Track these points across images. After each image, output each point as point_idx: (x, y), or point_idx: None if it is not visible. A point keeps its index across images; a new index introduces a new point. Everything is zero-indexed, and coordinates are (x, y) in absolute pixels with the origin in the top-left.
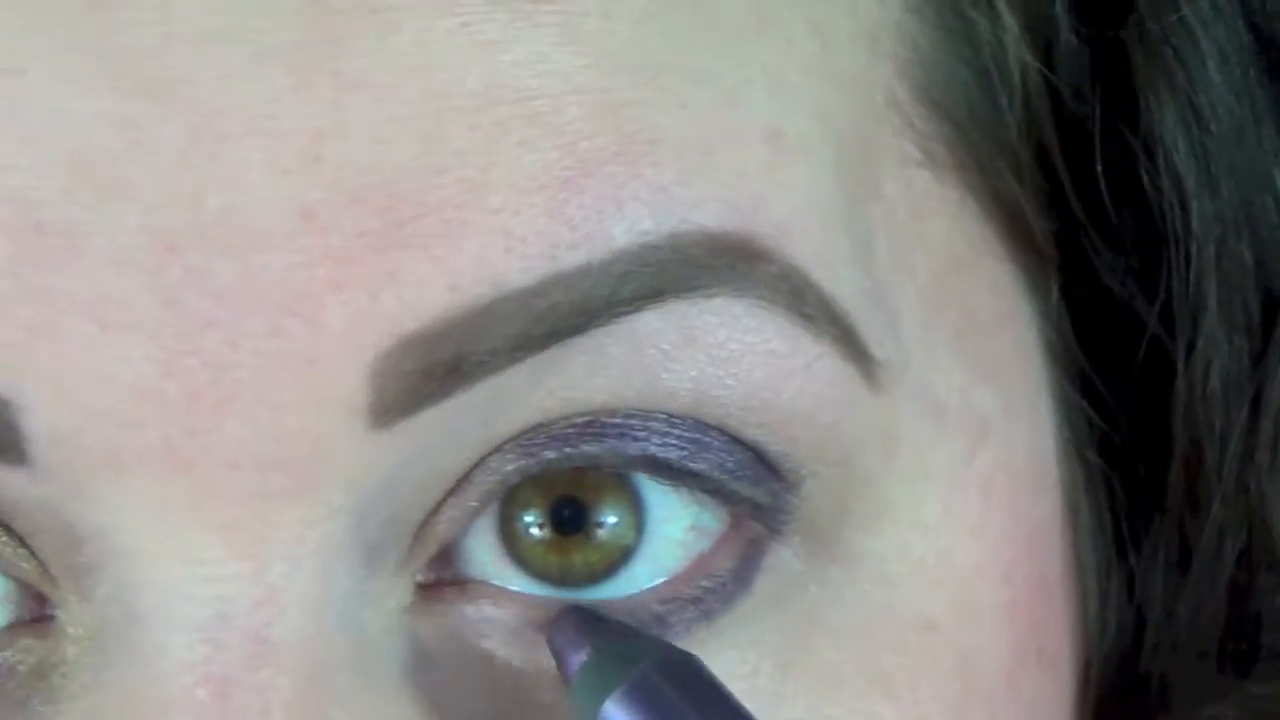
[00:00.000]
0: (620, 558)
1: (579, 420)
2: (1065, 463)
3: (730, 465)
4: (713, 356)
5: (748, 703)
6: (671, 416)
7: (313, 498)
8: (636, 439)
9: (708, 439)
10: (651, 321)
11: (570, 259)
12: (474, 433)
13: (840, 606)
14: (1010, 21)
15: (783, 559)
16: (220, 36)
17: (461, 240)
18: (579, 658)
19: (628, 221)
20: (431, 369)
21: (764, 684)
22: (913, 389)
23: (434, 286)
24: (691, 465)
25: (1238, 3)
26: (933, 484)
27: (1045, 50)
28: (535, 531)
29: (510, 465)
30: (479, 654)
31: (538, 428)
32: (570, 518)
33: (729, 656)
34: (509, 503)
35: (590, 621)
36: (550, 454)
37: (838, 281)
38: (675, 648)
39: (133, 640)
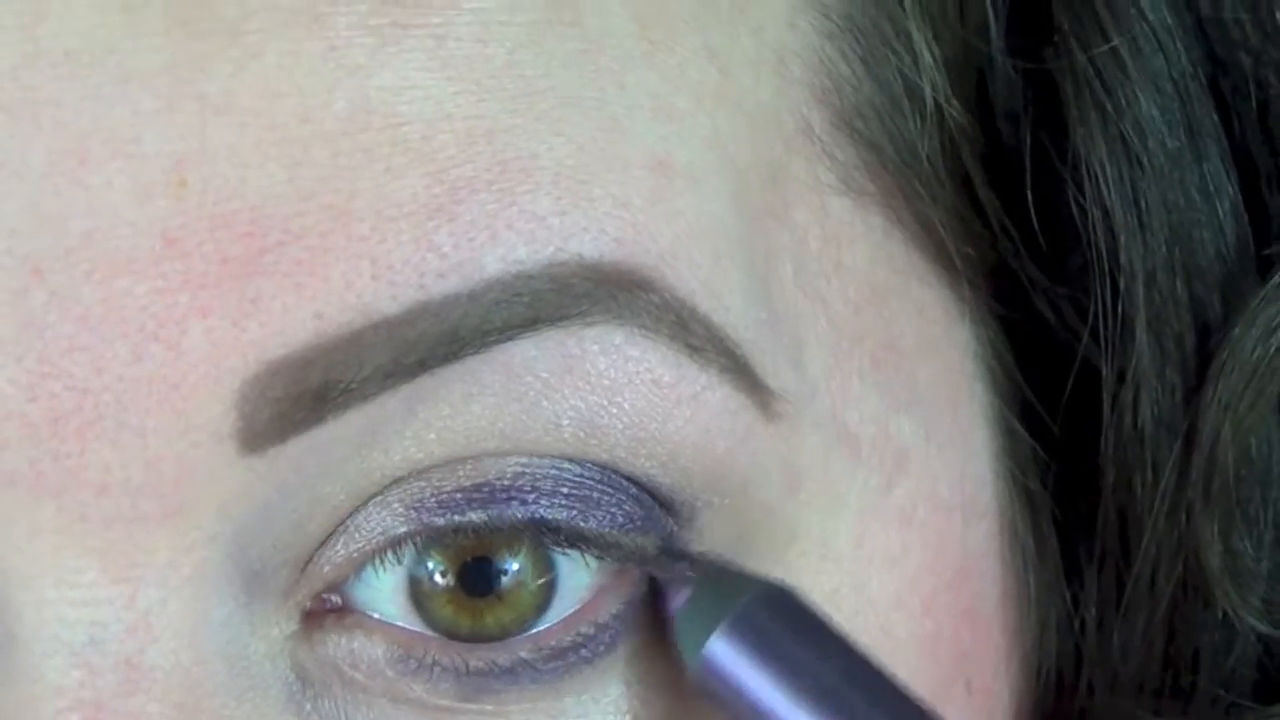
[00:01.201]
0: (533, 615)
1: (466, 484)
2: (1004, 491)
3: (620, 519)
4: (594, 385)
5: None
6: (560, 469)
7: (185, 523)
8: (525, 503)
9: (596, 493)
10: (527, 350)
11: (439, 287)
12: (351, 462)
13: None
14: (927, 53)
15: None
16: (85, 58)
17: (327, 268)
18: (681, 594)
19: (501, 250)
20: (300, 396)
21: (656, 716)
22: (820, 419)
23: (299, 314)
24: (581, 526)
25: (1188, 27)
26: (845, 514)
27: (976, 78)
28: (440, 582)
29: (400, 529)
30: (357, 685)
31: (423, 482)
32: (478, 577)
33: (614, 691)
34: (414, 562)
35: (689, 558)
36: (439, 521)
37: (728, 311)
38: (774, 581)
39: (11, 663)
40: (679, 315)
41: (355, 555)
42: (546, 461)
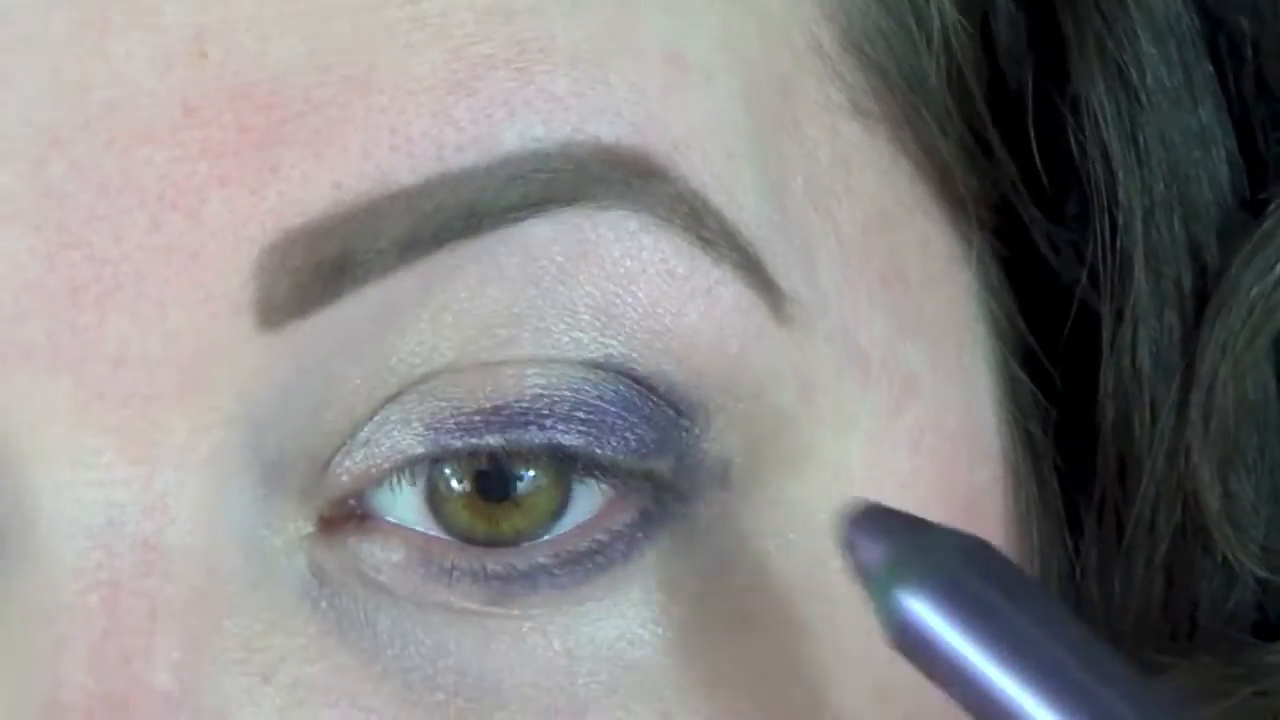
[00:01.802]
0: (548, 520)
1: (486, 406)
2: (1006, 435)
3: (634, 443)
4: (609, 272)
5: (658, 642)
6: (578, 390)
7: (202, 402)
8: (543, 427)
9: (611, 416)
10: (543, 231)
11: (457, 161)
12: (369, 344)
13: (759, 551)
14: None
15: (693, 509)
16: None
17: (346, 138)
18: (876, 553)
19: (519, 127)
20: (318, 267)
21: (673, 625)
22: (831, 332)
23: (318, 183)
24: (596, 451)
25: None
26: (857, 433)
27: (981, 13)
28: (456, 488)
29: (418, 449)
30: (379, 587)
31: (442, 401)
32: (494, 482)
33: (633, 595)
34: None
35: (883, 516)
36: (456, 443)
37: (740, 208)
38: (971, 536)
39: (30, 545)
40: (692, 206)
41: (373, 471)
42: (565, 381)
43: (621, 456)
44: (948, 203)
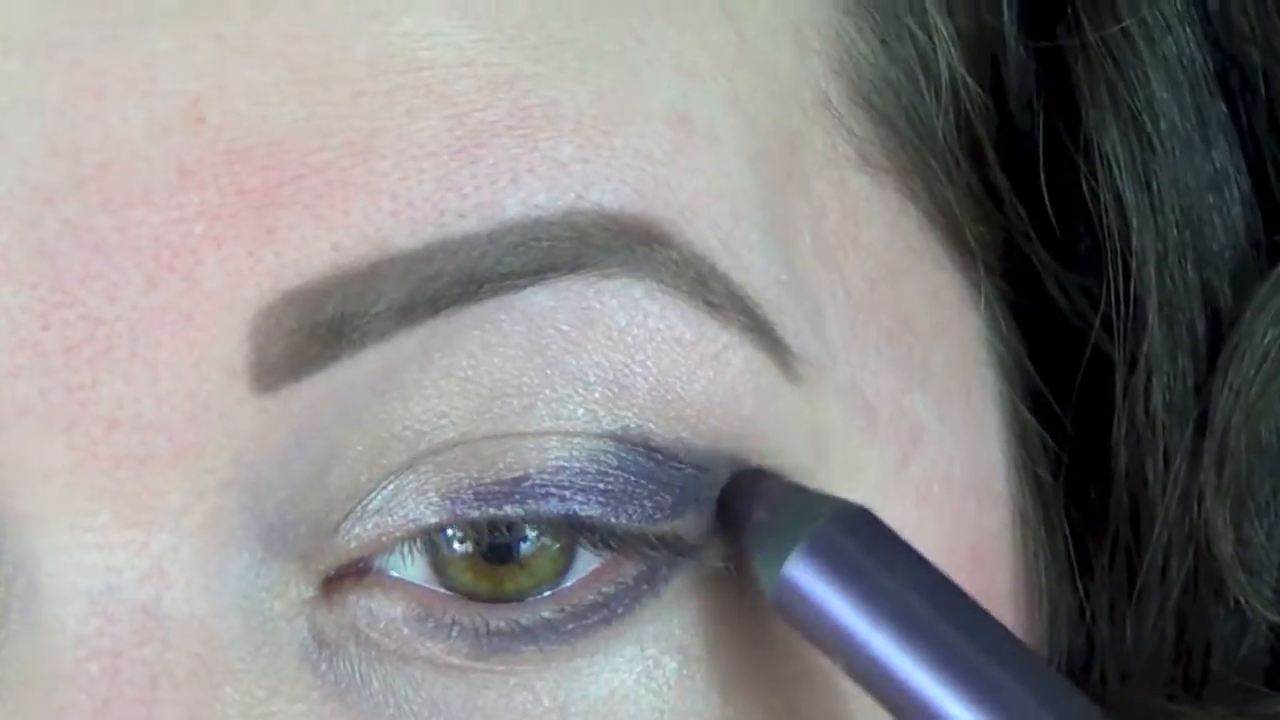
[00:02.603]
0: (553, 579)
1: (506, 478)
2: (1015, 479)
3: (650, 509)
4: (615, 341)
5: (651, 698)
6: (599, 460)
7: (197, 465)
8: (563, 499)
9: (633, 486)
10: (545, 300)
11: (459, 227)
12: (369, 411)
13: (757, 605)
14: (945, 30)
15: (702, 563)
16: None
17: (347, 201)
18: (756, 515)
19: (522, 194)
20: (314, 329)
21: (665, 679)
22: (840, 387)
23: (316, 245)
24: (612, 521)
25: (1196, 19)
26: (865, 486)
27: (991, 60)
28: (459, 549)
29: (432, 519)
30: (373, 644)
31: (460, 473)
32: (499, 546)
33: (628, 650)
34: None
35: (760, 481)
36: (473, 514)
37: (747, 270)
38: (850, 502)
39: (32, 612)
40: (698, 271)
41: (384, 539)
42: (585, 452)
43: (636, 524)
44: (956, 250)
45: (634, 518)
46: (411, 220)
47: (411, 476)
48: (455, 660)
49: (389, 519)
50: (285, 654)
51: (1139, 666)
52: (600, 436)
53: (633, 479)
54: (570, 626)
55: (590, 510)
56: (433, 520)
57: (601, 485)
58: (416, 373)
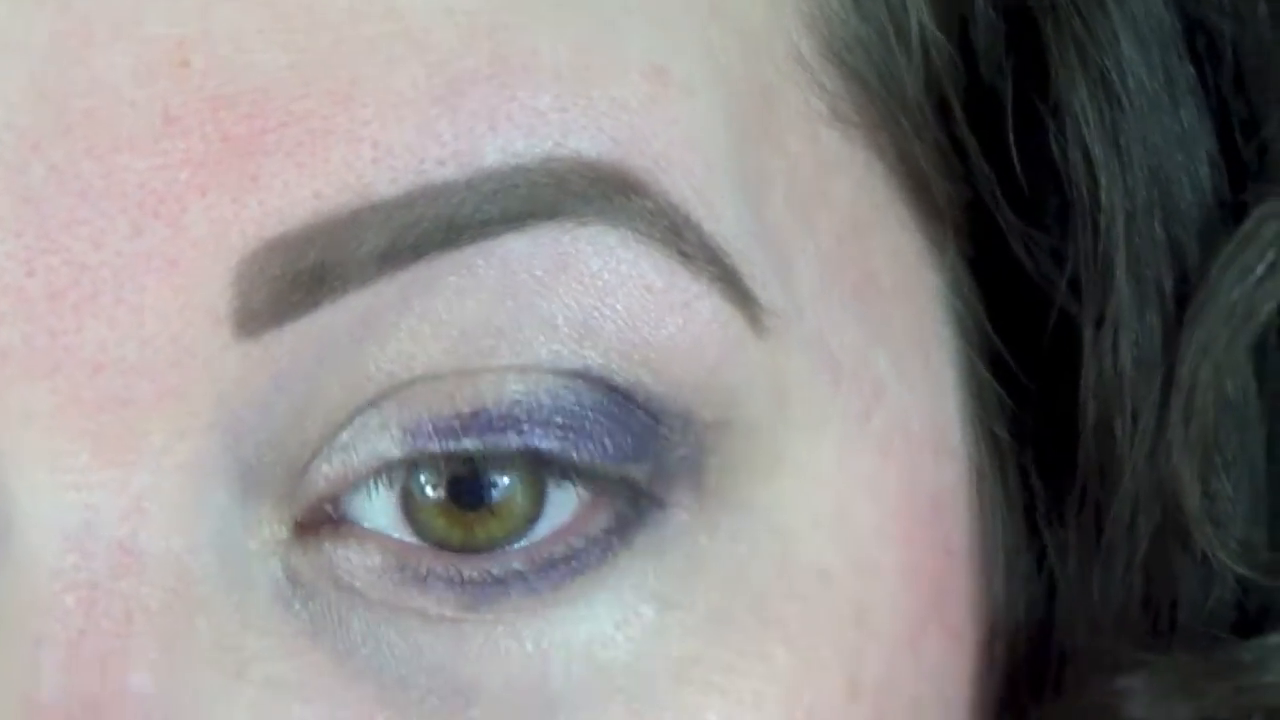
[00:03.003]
0: (524, 527)
1: (464, 410)
2: (971, 436)
3: (610, 449)
4: (587, 285)
5: (628, 643)
6: (556, 396)
7: (180, 408)
8: (520, 432)
9: (589, 423)
10: (523, 246)
11: (439, 174)
12: (347, 354)
13: (731, 554)
14: None
15: (667, 514)
16: None
17: (328, 149)
18: None
19: (500, 141)
20: (297, 276)
21: (643, 625)
22: (806, 340)
23: (299, 192)
24: (574, 456)
25: None
26: (828, 438)
27: (960, 19)
28: (432, 495)
29: (395, 453)
30: (353, 591)
31: (420, 407)
32: (469, 489)
33: (604, 598)
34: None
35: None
36: (433, 447)
37: (719, 220)
38: None
39: (8, 547)
40: (672, 221)
41: (350, 476)
42: (543, 387)
43: (598, 461)
44: (920, 208)
45: (594, 455)
46: (392, 168)
47: (375, 413)
48: (446, 611)
49: (354, 456)
50: (258, 590)
51: (1108, 618)
52: (560, 373)
53: (590, 416)
54: (541, 576)
55: (548, 444)
56: (395, 455)
57: (559, 420)
58: (394, 317)
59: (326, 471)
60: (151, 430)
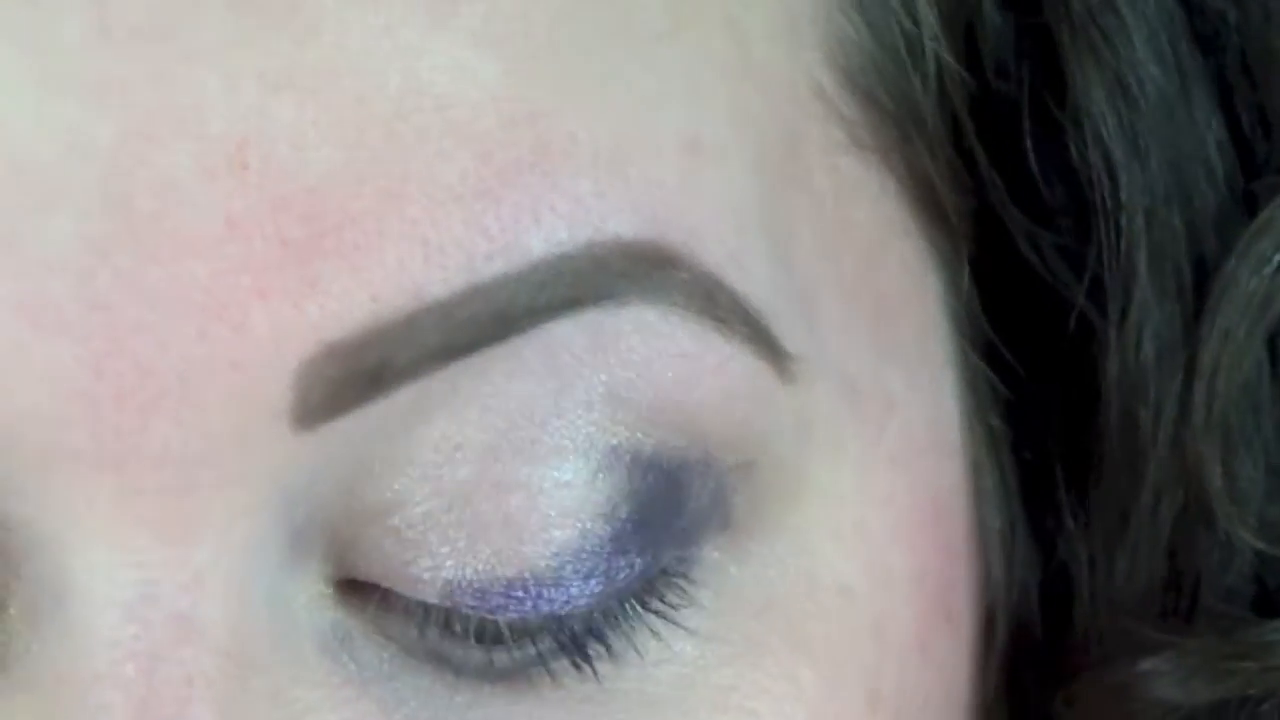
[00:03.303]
0: None
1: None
2: (967, 429)
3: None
4: (625, 362)
5: (667, 674)
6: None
7: (239, 493)
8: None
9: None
10: (567, 329)
11: (488, 269)
12: (398, 434)
13: (762, 580)
14: (926, 9)
15: (700, 554)
16: (152, 34)
17: (383, 251)
18: None
19: (544, 232)
20: (354, 375)
21: (686, 658)
22: (828, 372)
23: (356, 296)
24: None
25: None
26: (847, 459)
27: (966, 30)
28: None
29: (434, 599)
30: (397, 644)
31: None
32: None
33: (652, 641)
34: None
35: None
36: (470, 606)
37: (751, 281)
38: None
39: (64, 618)
40: (707, 290)
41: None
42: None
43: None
44: (927, 215)
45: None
46: (443, 267)
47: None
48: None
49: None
50: (306, 643)
51: (1130, 600)
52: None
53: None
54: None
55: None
56: (433, 601)
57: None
58: (443, 400)
59: (365, 569)
60: (212, 512)
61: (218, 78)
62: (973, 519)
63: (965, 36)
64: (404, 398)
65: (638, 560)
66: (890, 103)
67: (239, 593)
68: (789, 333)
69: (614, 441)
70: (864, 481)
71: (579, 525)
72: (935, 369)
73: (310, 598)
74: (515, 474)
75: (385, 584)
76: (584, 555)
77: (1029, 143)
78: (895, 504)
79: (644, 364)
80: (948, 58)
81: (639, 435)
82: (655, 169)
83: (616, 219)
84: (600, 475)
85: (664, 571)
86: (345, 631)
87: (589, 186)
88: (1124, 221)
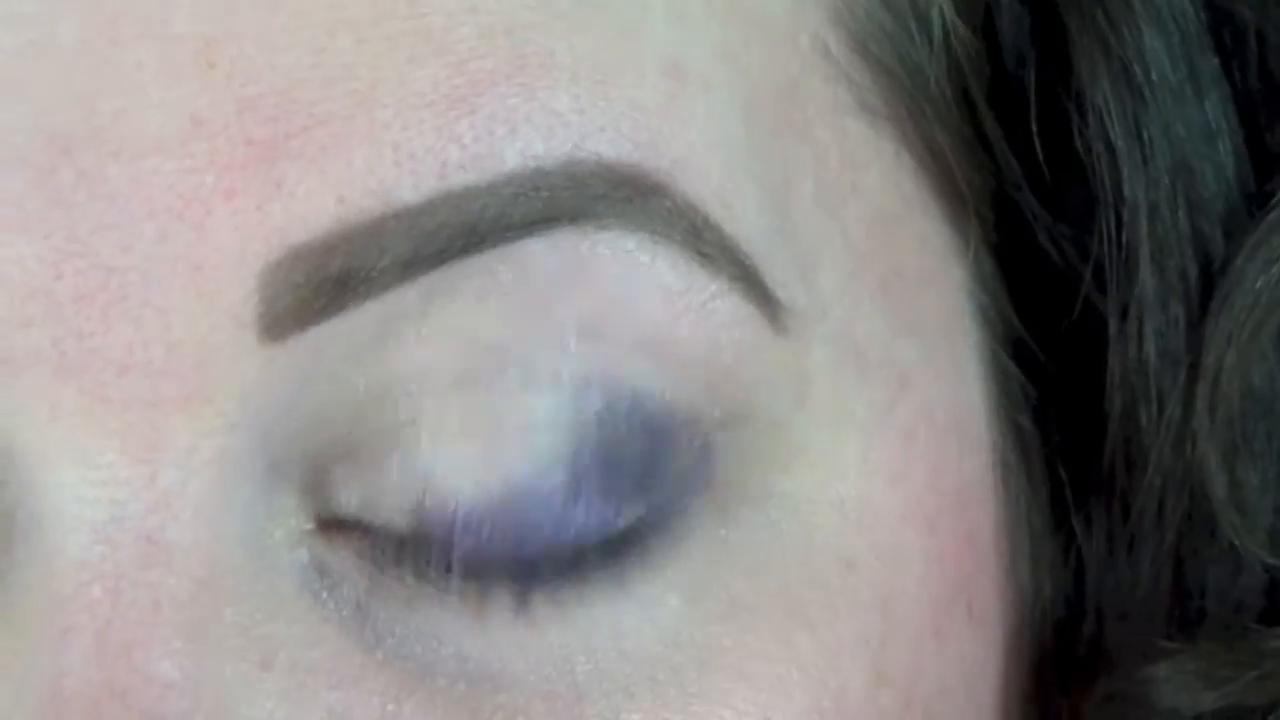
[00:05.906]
0: None
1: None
2: (996, 426)
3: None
4: (601, 289)
5: (651, 627)
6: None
7: (205, 409)
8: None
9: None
10: (541, 249)
11: (460, 178)
12: (370, 355)
13: (753, 544)
14: None
15: (683, 508)
16: None
17: (350, 153)
18: None
19: (520, 144)
20: (321, 283)
21: (670, 613)
22: (830, 334)
23: (322, 199)
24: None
25: None
26: (852, 429)
27: (984, 9)
28: None
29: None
30: (378, 580)
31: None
32: None
33: (627, 592)
34: None
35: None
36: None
37: (739, 220)
38: None
39: (36, 541)
40: (691, 222)
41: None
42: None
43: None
44: (946, 199)
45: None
46: (414, 173)
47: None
48: (460, 602)
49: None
50: (285, 579)
51: (1136, 607)
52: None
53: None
54: (565, 573)
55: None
56: (410, 537)
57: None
58: (416, 320)
59: (344, 501)
60: (178, 430)
61: None
62: (1001, 517)
63: (985, 18)
64: (374, 311)
65: (610, 506)
66: (901, 72)
67: (210, 520)
68: (782, 282)
69: (587, 376)
70: (871, 454)
71: (546, 463)
72: (958, 356)
73: (288, 532)
74: (486, 403)
75: (365, 519)
76: (554, 496)
77: (1034, 127)
78: (910, 482)
79: (622, 295)
80: (959, 28)
81: (615, 372)
82: (638, 91)
83: (597, 138)
84: (571, 411)
85: (645, 522)
86: (325, 567)
87: (568, 102)
88: (1126, 215)
